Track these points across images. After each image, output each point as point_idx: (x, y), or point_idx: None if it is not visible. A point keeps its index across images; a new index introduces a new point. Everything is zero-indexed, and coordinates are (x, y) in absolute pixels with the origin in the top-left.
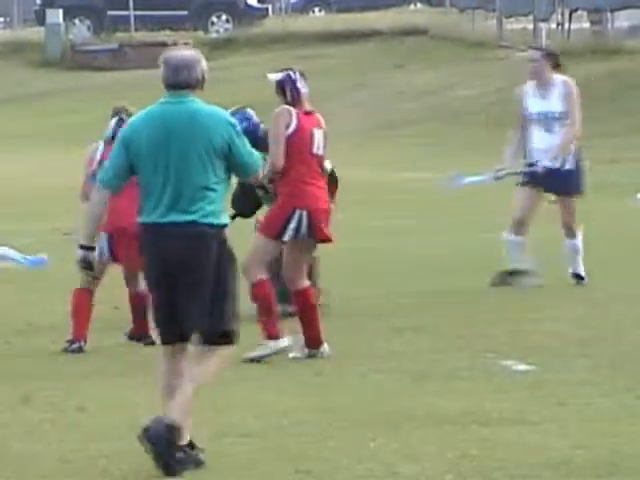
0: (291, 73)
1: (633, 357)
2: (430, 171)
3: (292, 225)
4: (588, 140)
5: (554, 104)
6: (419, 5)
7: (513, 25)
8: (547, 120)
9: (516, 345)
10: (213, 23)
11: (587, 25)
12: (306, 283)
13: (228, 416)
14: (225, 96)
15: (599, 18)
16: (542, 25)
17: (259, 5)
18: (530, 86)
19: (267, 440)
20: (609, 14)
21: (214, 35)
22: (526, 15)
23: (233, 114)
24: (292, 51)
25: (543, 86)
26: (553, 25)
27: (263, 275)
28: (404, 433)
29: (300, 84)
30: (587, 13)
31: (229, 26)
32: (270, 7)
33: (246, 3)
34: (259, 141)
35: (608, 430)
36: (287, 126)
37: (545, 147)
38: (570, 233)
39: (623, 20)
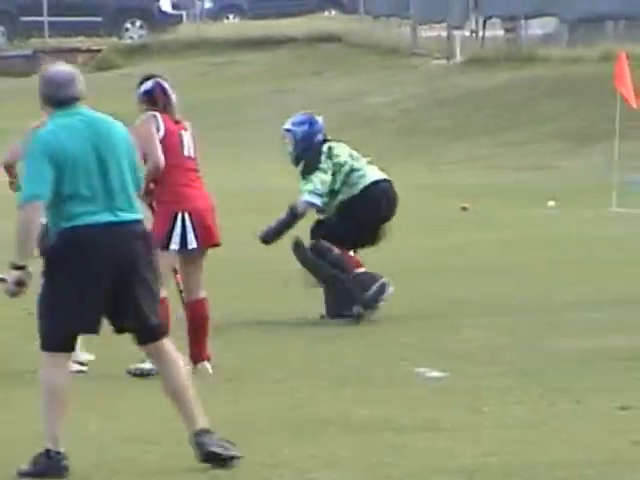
0: (160, 81)
1: (547, 364)
2: None
3: (177, 231)
4: (501, 148)
5: None
6: (333, 12)
7: (427, 32)
8: None
9: (430, 352)
10: (127, 29)
11: (501, 33)
12: (202, 294)
13: (136, 422)
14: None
15: (513, 26)
16: (456, 33)
17: (173, 11)
18: None
19: (178, 446)
20: (523, 22)
21: (128, 41)
22: (440, 22)
23: (298, 117)
24: (207, 57)
25: None
26: (467, 33)
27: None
28: (319, 440)
29: (170, 91)
30: (501, 21)
31: (143, 32)
32: (184, 13)
33: (160, 9)
34: (311, 147)
35: (521, 437)
36: (157, 130)
37: None
38: None
39: (537, 28)
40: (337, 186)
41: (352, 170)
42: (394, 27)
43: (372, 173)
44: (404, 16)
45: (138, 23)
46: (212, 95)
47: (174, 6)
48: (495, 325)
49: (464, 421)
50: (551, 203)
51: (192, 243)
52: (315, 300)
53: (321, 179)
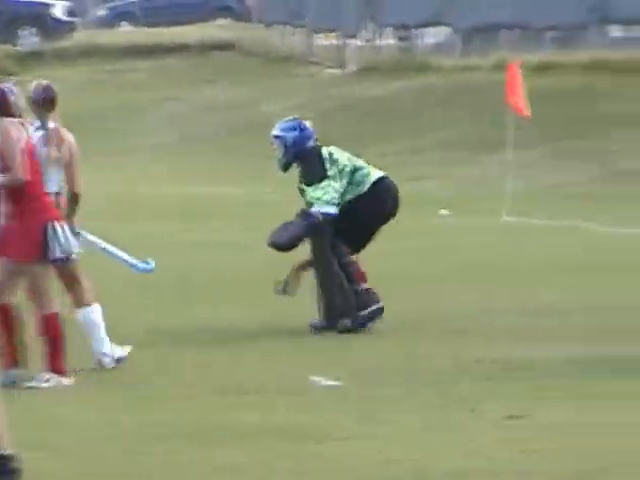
0: (9, 86)
1: (442, 373)
2: (236, 185)
3: (52, 241)
4: (394, 156)
5: None
6: (226, 20)
7: (322, 41)
8: None
9: (326, 361)
10: (20, 36)
11: (395, 42)
12: (55, 308)
13: (40, 431)
14: None
15: (407, 35)
16: (350, 41)
17: (67, 18)
18: None
19: (74, 455)
20: (416, 31)
21: (22, 48)
22: (334, 31)
23: (287, 122)
24: (101, 65)
25: None
26: (361, 41)
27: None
28: (212, 447)
29: (18, 96)
30: (395, 30)
31: (37, 39)
32: (79, 20)
33: (53, 16)
34: (304, 153)
35: (415, 445)
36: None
37: None
38: None
39: (430, 37)
40: (344, 187)
41: (355, 169)
42: (288, 35)
43: (374, 171)
44: (298, 24)
45: (32, 30)
46: (105, 102)
47: (69, 13)
48: (388, 334)
49: (360, 429)
50: (443, 211)
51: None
52: (215, 306)
53: (335, 188)
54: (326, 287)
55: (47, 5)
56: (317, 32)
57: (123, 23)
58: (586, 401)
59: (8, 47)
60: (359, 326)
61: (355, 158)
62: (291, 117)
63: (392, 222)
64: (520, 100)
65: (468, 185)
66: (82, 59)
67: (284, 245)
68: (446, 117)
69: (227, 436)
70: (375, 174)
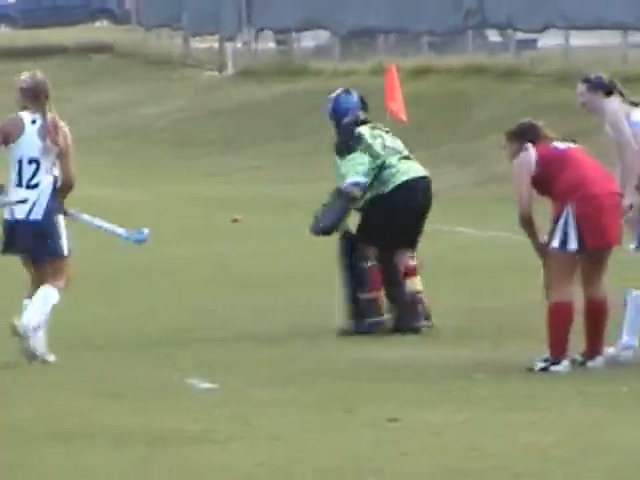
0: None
1: (318, 375)
2: (112, 187)
3: None
4: (272, 159)
5: None
6: (105, 23)
7: (200, 44)
8: None
9: (202, 364)
10: None
11: (274, 45)
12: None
13: None
14: None
15: (285, 38)
16: (228, 45)
17: None
18: None
19: None
20: (295, 35)
21: None
22: (212, 34)
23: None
24: None
25: None
26: (240, 44)
27: None
28: (77, 450)
29: None
30: (273, 33)
31: None
32: None
33: None
34: (341, 127)
35: (290, 447)
36: None
37: None
38: None
39: (309, 41)
40: (370, 179)
41: (384, 166)
42: (166, 38)
43: (404, 171)
44: (176, 27)
45: None
46: None
47: None
48: (261, 337)
49: (236, 432)
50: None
51: None
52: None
53: (362, 162)
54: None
55: None
56: (195, 35)
57: (1, 25)
58: (463, 402)
59: None
60: (357, 332)
61: (393, 148)
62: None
63: (275, 225)
64: (398, 105)
65: None
66: None
67: (329, 229)
68: (324, 121)
69: (97, 440)
70: (402, 175)
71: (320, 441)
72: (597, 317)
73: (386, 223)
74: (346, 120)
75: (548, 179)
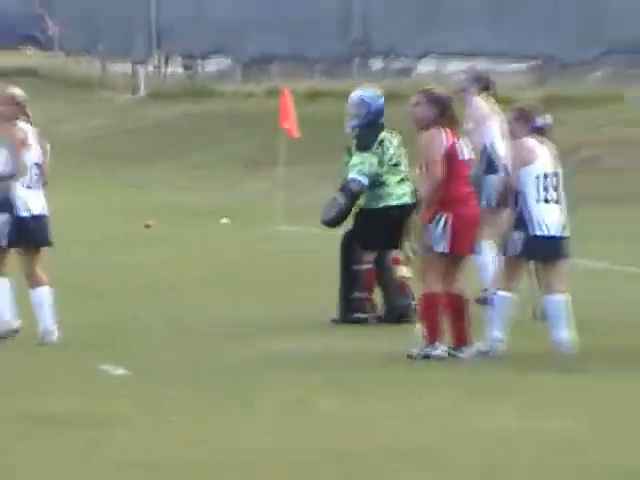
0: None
1: (214, 372)
2: None
3: None
4: (181, 171)
5: None
6: (31, 48)
7: (116, 68)
8: None
9: (115, 351)
10: None
11: (181, 69)
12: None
13: None
14: None
15: (191, 63)
16: (140, 68)
17: None
18: None
19: None
20: (200, 60)
21: None
22: (126, 58)
23: (373, 90)
24: None
25: None
26: (151, 68)
27: None
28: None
29: None
30: (181, 58)
31: None
32: None
33: None
34: (375, 124)
35: (198, 430)
36: None
37: None
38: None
39: (213, 65)
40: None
41: (383, 184)
42: (85, 62)
43: (398, 197)
44: (93, 52)
45: None
46: None
47: None
48: (170, 337)
49: (143, 416)
50: (224, 220)
51: None
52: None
53: (372, 163)
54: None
55: None
56: (110, 59)
57: None
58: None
59: None
60: (341, 322)
61: (397, 165)
62: (374, 87)
63: (185, 231)
64: (292, 123)
65: (246, 198)
66: None
67: (334, 221)
68: (227, 138)
69: (15, 423)
70: (394, 199)
71: (220, 427)
72: (459, 309)
73: (372, 233)
74: (379, 121)
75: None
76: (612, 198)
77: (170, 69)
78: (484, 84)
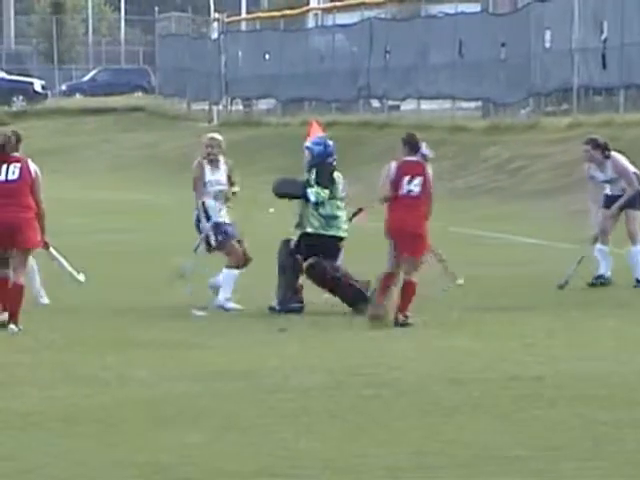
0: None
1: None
2: (151, 194)
3: None
4: (241, 176)
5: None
6: (140, 93)
7: (197, 106)
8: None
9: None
10: (14, 101)
11: (241, 107)
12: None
13: None
14: (27, 147)
15: (249, 103)
16: (214, 107)
17: (42, 91)
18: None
19: None
20: (255, 100)
21: (14, 109)
22: (205, 100)
23: (317, 138)
24: (64, 120)
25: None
26: (221, 106)
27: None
28: (126, 352)
29: None
30: (241, 100)
31: (24, 103)
32: (49, 92)
33: (34, 90)
34: (323, 165)
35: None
36: None
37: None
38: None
39: (263, 104)
40: (320, 217)
41: (335, 217)
42: (176, 102)
43: (344, 230)
44: (182, 95)
45: (21, 97)
46: (68, 142)
47: (43, 87)
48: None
49: (215, 342)
50: (271, 210)
51: None
52: None
53: (325, 195)
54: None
55: (30, 82)
56: (194, 101)
57: (77, 94)
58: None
59: (5, 108)
60: (282, 311)
61: (342, 206)
62: (321, 135)
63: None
64: None
65: None
66: (52, 115)
67: (279, 194)
68: (273, 154)
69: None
70: (340, 233)
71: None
72: (406, 291)
73: (317, 251)
74: (329, 161)
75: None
76: (534, 193)
77: (234, 107)
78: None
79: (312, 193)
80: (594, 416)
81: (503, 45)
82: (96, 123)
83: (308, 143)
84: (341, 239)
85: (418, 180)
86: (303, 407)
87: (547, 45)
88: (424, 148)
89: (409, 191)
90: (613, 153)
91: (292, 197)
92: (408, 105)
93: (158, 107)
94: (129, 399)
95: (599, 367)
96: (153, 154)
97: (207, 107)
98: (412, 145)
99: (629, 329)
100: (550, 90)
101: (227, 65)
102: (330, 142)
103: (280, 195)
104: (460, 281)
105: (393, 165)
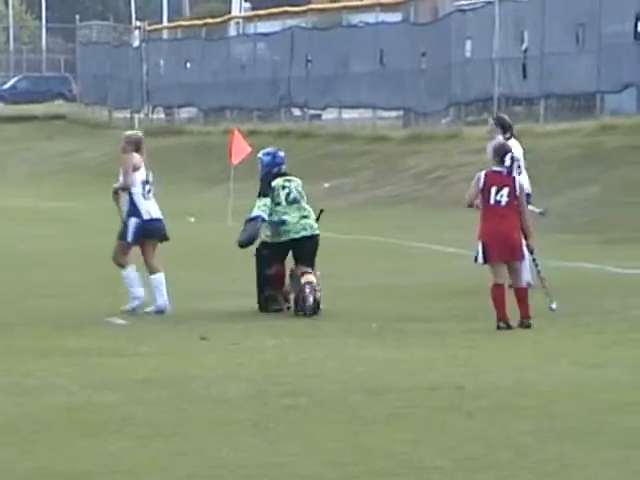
0: None
1: (184, 317)
2: (70, 201)
3: None
4: (160, 185)
5: None
6: (61, 101)
7: (119, 114)
8: None
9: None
10: None
11: (163, 115)
12: None
13: None
14: None
15: (171, 111)
16: (136, 115)
17: None
18: None
19: None
20: (176, 109)
21: None
22: (126, 108)
23: (268, 149)
24: None
25: None
26: (143, 115)
27: None
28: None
29: None
30: (163, 108)
31: None
32: None
33: None
34: (267, 174)
35: (161, 363)
36: None
37: None
38: None
39: (184, 113)
40: (270, 226)
41: (283, 222)
42: (98, 110)
43: (297, 231)
44: (104, 103)
45: None
46: None
47: None
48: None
49: (136, 350)
50: (191, 219)
51: None
52: None
53: (266, 204)
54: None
55: None
56: (115, 108)
57: None
58: (268, 334)
59: None
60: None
61: (294, 209)
62: (272, 147)
63: None
64: (239, 154)
65: (207, 203)
66: None
67: (245, 242)
68: (191, 163)
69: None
70: (294, 235)
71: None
72: (521, 297)
73: (275, 257)
74: (273, 171)
75: None
76: (454, 203)
77: (156, 115)
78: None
79: (255, 211)
80: (514, 426)
81: (424, 55)
82: (17, 131)
83: (260, 154)
84: (303, 239)
85: (505, 191)
86: (224, 416)
87: (468, 55)
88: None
89: (497, 202)
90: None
91: (253, 236)
92: (329, 114)
93: (79, 115)
94: (51, 407)
95: (519, 377)
96: (74, 162)
97: (129, 115)
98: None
99: (549, 340)
100: (471, 99)
101: (149, 73)
102: (281, 153)
103: (245, 243)
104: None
105: (482, 175)
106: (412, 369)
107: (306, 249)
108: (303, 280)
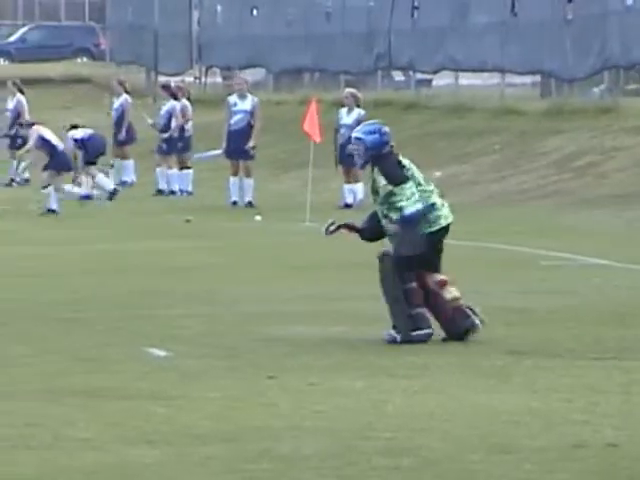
0: None
1: (246, 348)
2: None
3: None
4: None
5: None
6: (84, 59)
7: (163, 77)
8: None
9: (157, 335)
10: None
11: (220, 80)
12: None
13: None
14: None
15: (230, 74)
16: (185, 79)
17: None
18: None
19: None
20: (237, 71)
21: None
22: (171, 69)
23: (368, 126)
24: None
25: None
26: (193, 79)
27: None
28: (64, 404)
29: None
30: (220, 69)
31: None
32: None
33: None
34: (381, 157)
35: (228, 406)
36: None
37: None
38: None
39: (249, 76)
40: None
41: (433, 207)
42: (134, 72)
43: (446, 216)
44: (141, 64)
45: None
46: None
47: None
48: (204, 315)
49: (182, 392)
50: (257, 217)
51: None
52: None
53: (411, 191)
54: (389, 304)
55: None
56: (154, 70)
57: (1, 59)
58: (359, 371)
59: None
60: (404, 342)
61: (434, 189)
62: (372, 121)
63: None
64: (314, 129)
65: (277, 196)
66: None
67: (411, 255)
68: (261, 142)
69: (78, 396)
70: (444, 221)
71: (251, 402)
72: None
73: (422, 257)
74: (387, 150)
75: None
76: (608, 199)
77: (210, 79)
78: None
79: (408, 209)
80: None
81: (570, 1)
82: (26, 98)
83: (357, 133)
84: (441, 230)
85: None
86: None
87: (629, 2)
88: None
89: None
90: None
91: (419, 245)
92: (442, 79)
93: (109, 78)
94: (62, 467)
95: None
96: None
97: (174, 79)
98: None
99: None
100: (632, 62)
101: (201, 23)
102: (386, 128)
103: (409, 256)
104: None
105: None
106: (548, 420)
107: (441, 245)
108: (447, 295)
